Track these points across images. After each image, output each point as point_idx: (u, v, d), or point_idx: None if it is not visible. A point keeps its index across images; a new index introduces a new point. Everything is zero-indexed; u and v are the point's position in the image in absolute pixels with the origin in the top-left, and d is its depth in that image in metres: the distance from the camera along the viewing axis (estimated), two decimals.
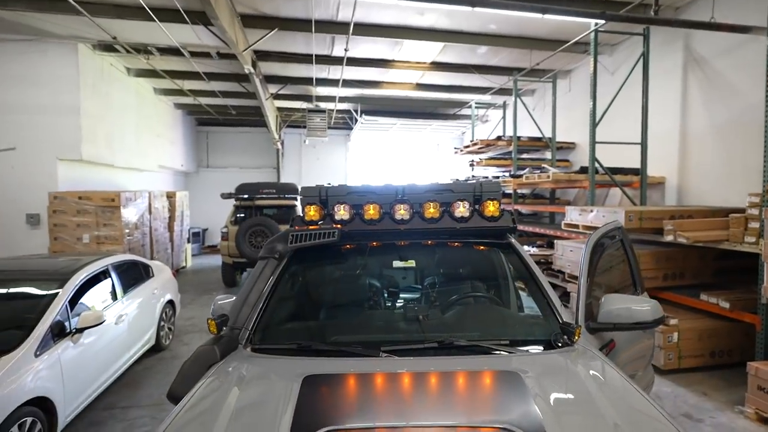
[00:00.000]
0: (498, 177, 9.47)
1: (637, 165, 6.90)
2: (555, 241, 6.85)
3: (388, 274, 2.64)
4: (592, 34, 6.39)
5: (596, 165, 6.56)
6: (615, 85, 6.88)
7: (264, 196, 8.87)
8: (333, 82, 10.18)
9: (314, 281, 2.56)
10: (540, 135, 9.53)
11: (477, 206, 2.42)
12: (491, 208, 2.37)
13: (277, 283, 2.24)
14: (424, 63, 9.12)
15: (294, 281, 2.49)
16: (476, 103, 11.83)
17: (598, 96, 6.59)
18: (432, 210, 2.37)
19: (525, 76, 9.10)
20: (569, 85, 9.74)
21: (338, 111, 13.29)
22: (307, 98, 11.96)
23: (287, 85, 10.69)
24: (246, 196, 8.82)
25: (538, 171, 7.71)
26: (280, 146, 14.90)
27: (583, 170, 6.78)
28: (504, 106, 11.90)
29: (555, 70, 9.18)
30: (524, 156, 10.40)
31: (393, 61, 9.05)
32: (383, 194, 2.55)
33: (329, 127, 13.27)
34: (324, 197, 2.58)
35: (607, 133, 7.04)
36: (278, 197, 8.93)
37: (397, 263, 2.55)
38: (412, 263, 2.58)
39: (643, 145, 6.78)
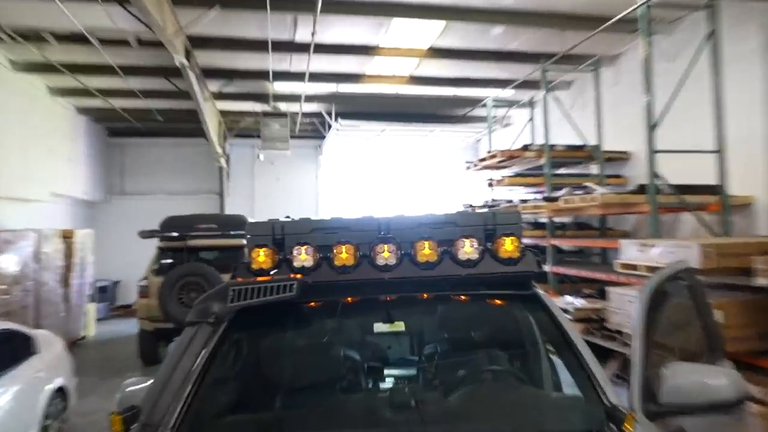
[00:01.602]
0: (527, 201, 9.62)
1: (713, 180, 7.08)
2: (608, 288, 6.91)
3: (369, 343, 2.63)
4: (642, 9, 6.71)
5: (658, 181, 6.72)
6: (676, 75, 7.16)
7: (201, 234, 8.87)
8: (297, 77, 10.45)
9: (265, 355, 2.54)
10: (581, 142, 9.78)
11: (489, 244, 2.46)
12: (508, 246, 2.40)
13: (213, 358, 2.22)
14: (420, 49, 9.45)
15: (236, 355, 2.46)
16: (494, 101, 12.16)
17: (656, 89, 6.85)
18: (427, 251, 2.40)
19: (557, 64, 9.43)
20: (617, 75, 10.10)
21: (305, 114, 13.56)
22: (261, 98, 12.22)
23: (234, 81, 10.93)
24: (175, 234, 8.81)
25: (581, 191, 7.86)
26: (224, 163, 15.04)
27: (642, 189, 6.93)
28: (531, 104, 12.25)
29: (597, 56, 9.55)
30: (561, 171, 10.62)
31: (377, 47, 9.36)
32: (360, 231, 2.58)
33: (293, 136, 13.48)
34: (279, 236, 2.60)
35: (670, 139, 7.26)
36: (221, 235, 8.93)
37: (380, 327, 2.55)
38: (401, 326, 2.58)
39: (721, 153, 6.99)
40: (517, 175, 10.43)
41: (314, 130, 15.33)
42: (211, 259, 8.89)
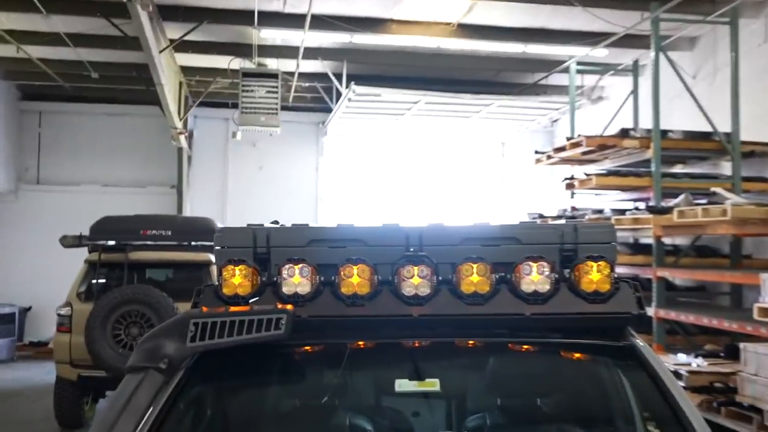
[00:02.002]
0: (623, 212, 9.58)
1: None
2: (742, 345, 6.86)
3: (387, 409, 2.66)
4: None
5: None
6: None
7: (148, 243, 9.00)
8: (293, 20, 10.59)
9: (238, 420, 2.58)
10: (708, 129, 9.72)
11: (567, 272, 2.49)
12: (595, 275, 2.41)
13: (162, 421, 2.26)
14: None
15: (196, 419, 2.50)
16: (580, 64, 12.15)
17: None
18: (476, 278, 2.43)
19: (675, 11, 9.41)
20: (765, 29, 10.01)
21: (304, 76, 13.69)
22: (241, 50, 12.39)
23: (203, 25, 11.11)
24: (112, 243, 8.96)
25: (705, 200, 7.81)
26: (184, 143, 15.25)
27: None
28: (635, 69, 12.21)
29: (736, 1, 9.48)
30: (677, 170, 10.54)
31: None
32: (379, 245, 2.63)
33: (285, 107, 13.64)
34: (262, 250, 2.66)
35: None
36: (177, 247, 9.06)
37: (405, 385, 2.58)
38: (434, 385, 2.62)
39: None
40: (611, 173, 10.39)
41: (316, 99, 15.48)
42: (163, 281, 8.99)
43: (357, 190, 16.85)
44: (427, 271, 2.46)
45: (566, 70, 12.39)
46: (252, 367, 2.57)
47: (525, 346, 2.59)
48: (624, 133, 9.80)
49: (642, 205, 9.87)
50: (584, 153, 10.42)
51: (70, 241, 9.08)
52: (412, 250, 2.62)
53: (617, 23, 10.27)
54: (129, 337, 8.04)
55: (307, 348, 2.58)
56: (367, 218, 18.03)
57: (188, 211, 15.77)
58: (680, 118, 10.49)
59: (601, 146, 9.91)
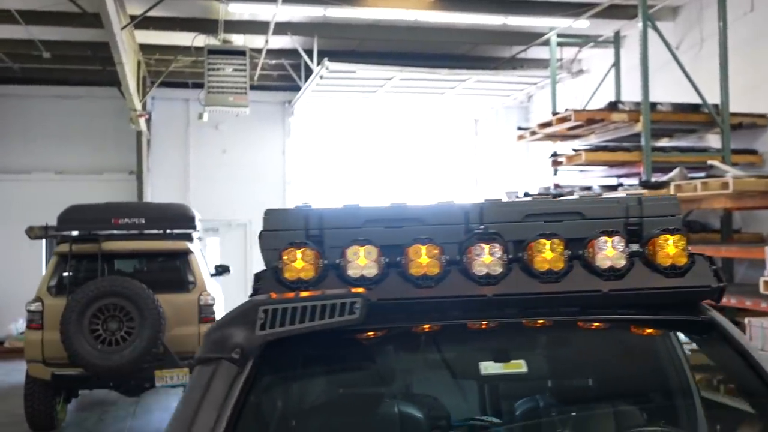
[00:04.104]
0: (615, 188, 9.71)
1: None
2: (746, 321, 7.02)
3: (471, 392, 2.67)
4: None
5: None
6: None
7: (122, 233, 8.87)
8: None
9: (313, 410, 2.57)
10: (694, 101, 9.88)
11: (641, 247, 2.52)
12: (671, 248, 2.45)
13: (240, 413, 2.25)
14: None
15: (271, 410, 2.49)
16: (560, 36, 12.23)
17: None
18: (549, 254, 2.44)
19: None
20: None
21: (270, 53, 13.52)
22: (206, 26, 12.20)
23: (165, 0, 10.89)
24: (81, 233, 8.80)
25: (702, 175, 7.95)
26: (144, 126, 15.00)
27: None
28: (617, 40, 12.34)
29: None
30: (664, 143, 10.71)
31: None
32: (439, 223, 2.63)
33: (250, 87, 13.47)
34: (315, 231, 2.64)
35: None
36: (152, 235, 8.95)
37: (490, 368, 2.60)
38: (521, 367, 2.64)
39: None
40: (600, 148, 10.50)
41: (282, 77, 15.35)
42: (139, 271, 8.87)
43: (327, 172, 16.78)
44: (499, 249, 2.46)
45: (546, 43, 12.46)
46: (321, 353, 2.55)
47: (606, 324, 2.60)
48: (612, 107, 9.90)
49: (629, 181, 10.00)
50: (570, 128, 10.49)
51: (36, 233, 8.90)
52: (475, 226, 2.62)
53: None
54: (107, 332, 7.93)
55: (379, 332, 2.56)
56: (338, 200, 17.87)
57: (149, 198, 15.55)
58: (664, 90, 10.65)
59: (589, 120, 9.97)
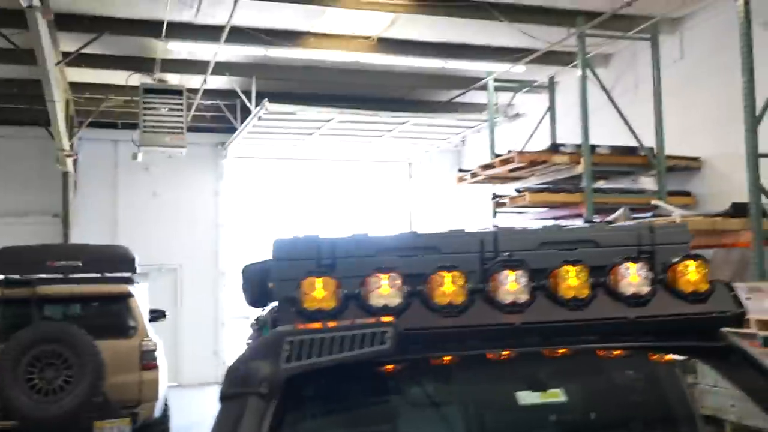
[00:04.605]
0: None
1: None
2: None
3: (510, 423, 2.64)
4: None
5: (765, 200, 7.12)
6: None
7: (57, 276, 8.49)
8: (205, 32, 10.35)
9: None
10: (629, 143, 10.21)
11: (661, 274, 2.52)
12: (693, 275, 2.47)
13: None
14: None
15: None
16: (496, 81, 12.51)
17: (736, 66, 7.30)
18: (574, 281, 2.42)
19: (597, 28, 9.87)
20: (681, 46, 10.67)
21: (206, 93, 13.35)
22: (142, 65, 11.99)
23: (104, 36, 10.67)
24: (12, 277, 8.39)
25: (644, 216, 8.14)
26: (70, 167, 14.53)
27: (740, 210, 7.31)
28: (551, 85, 12.70)
29: (655, 18, 10.06)
30: (601, 185, 11.00)
31: None
32: (454, 252, 2.58)
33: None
34: (328, 260, 2.57)
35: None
36: (89, 279, 8.61)
37: (528, 397, 2.58)
38: (558, 396, 2.62)
39: None
40: (543, 189, 10.69)
41: (217, 118, 15.16)
42: (77, 316, 8.51)
43: (261, 214, 16.57)
44: (524, 276, 2.43)
45: (483, 88, 12.74)
46: (347, 386, 2.47)
47: (634, 351, 2.60)
48: (554, 149, 10.14)
49: (574, 222, 10.17)
50: (511, 170, 10.67)
51: None
52: (492, 253, 2.59)
53: (541, 38, 10.67)
54: (44, 381, 7.49)
55: (407, 364, 2.48)
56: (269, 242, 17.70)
57: (75, 238, 15.02)
58: (599, 133, 10.90)
59: (531, 162, 10.18)
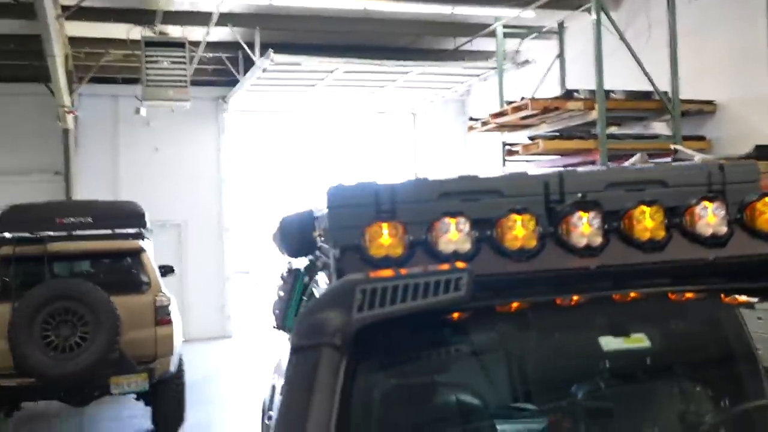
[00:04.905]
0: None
1: None
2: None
3: (593, 369, 2.57)
4: None
5: None
6: None
7: (66, 233, 8.39)
8: None
9: (421, 398, 2.46)
10: (645, 88, 10.04)
11: (739, 213, 2.44)
12: None
13: (348, 405, 2.06)
14: None
15: (377, 399, 2.38)
16: (505, 27, 12.28)
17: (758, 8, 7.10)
18: (649, 222, 2.34)
19: None
20: None
21: (209, 46, 13.10)
22: (142, 17, 11.73)
23: None
24: (23, 235, 8.29)
25: (666, 160, 8.04)
26: (71, 123, 14.33)
27: (763, 153, 7.20)
28: (561, 31, 12.48)
29: None
30: (614, 131, 10.87)
31: None
32: (517, 194, 2.51)
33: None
34: (387, 206, 2.48)
35: None
36: (100, 235, 8.51)
37: (611, 343, 2.52)
38: (642, 341, 2.56)
39: None
40: (555, 137, 10.56)
41: (218, 72, 14.92)
42: (89, 273, 8.44)
43: (264, 169, 16.46)
44: (596, 218, 2.34)
45: (492, 34, 12.50)
46: (426, 338, 2.41)
47: (717, 293, 2.53)
48: (568, 95, 9.99)
49: (590, 167, 10.07)
50: (522, 118, 10.53)
51: None
52: (558, 194, 2.52)
53: None
54: (60, 338, 7.44)
55: (478, 311, 2.40)
56: (277, 199, 17.77)
57: (78, 195, 14.89)
58: (611, 78, 10.73)
59: (544, 109, 10.01)
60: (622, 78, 10.26)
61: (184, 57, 11.83)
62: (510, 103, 10.53)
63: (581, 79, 11.56)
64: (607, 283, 2.40)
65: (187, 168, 16.03)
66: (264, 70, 12.48)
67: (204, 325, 15.63)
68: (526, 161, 12.14)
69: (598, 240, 2.34)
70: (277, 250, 3.92)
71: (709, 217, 2.38)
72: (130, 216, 8.73)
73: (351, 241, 2.36)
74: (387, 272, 2.17)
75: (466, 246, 2.30)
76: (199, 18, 11.65)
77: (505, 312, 2.43)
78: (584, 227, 2.33)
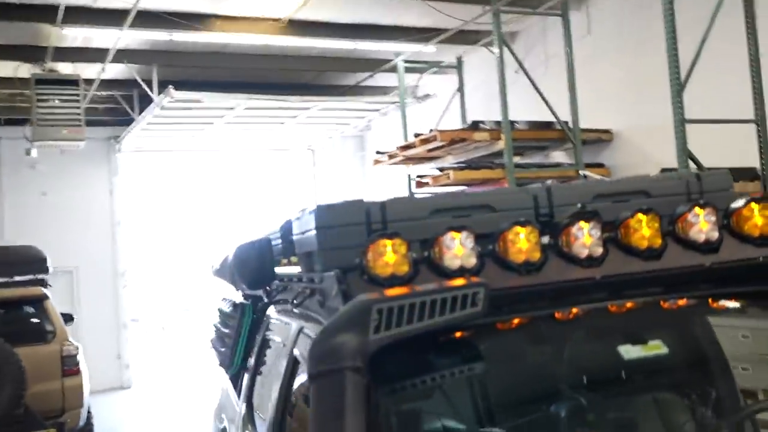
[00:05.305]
0: None
1: (750, 160, 7.91)
2: None
3: (612, 379, 2.56)
4: None
5: (691, 165, 7.33)
6: (687, 26, 7.92)
7: None
8: (107, 16, 9.75)
9: (441, 415, 2.39)
10: (544, 119, 10.35)
11: (725, 219, 2.49)
12: (758, 219, 2.44)
13: (376, 427, 1.95)
14: None
15: (401, 421, 2.31)
16: (406, 62, 12.44)
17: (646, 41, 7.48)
18: (647, 230, 2.37)
19: (509, 5, 9.96)
20: (587, 21, 10.92)
21: (102, 84, 12.61)
22: (32, 54, 11.20)
23: None
24: None
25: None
26: None
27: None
28: (459, 65, 12.74)
29: None
30: (518, 159, 11.12)
31: None
32: (508, 209, 2.52)
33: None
34: (378, 225, 2.42)
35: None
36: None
37: (632, 351, 2.53)
38: (660, 348, 2.58)
39: (760, 123, 7.85)
40: (464, 167, 10.68)
41: (111, 110, 14.41)
42: None
43: (160, 210, 15.94)
44: (596, 228, 2.35)
45: (393, 69, 12.64)
46: (433, 353, 2.33)
47: (715, 298, 2.57)
48: (474, 126, 10.14)
49: None
50: (429, 150, 10.63)
51: None
52: (543, 210, 2.55)
53: (453, 15, 10.67)
54: None
55: (494, 325, 2.35)
56: (174, 241, 17.21)
57: None
58: (511, 110, 10.99)
59: (451, 141, 10.14)
60: (521, 110, 10.51)
61: (77, 95, 11.36)
62: (417, 135, 10.60)
63: (480, 112, 11.83)
64: (615, 293, 2.41)
65: (78, 211, 15.32)
66: (162, 108, 12.09)
67: (101, 376, 14.79)
68: (427, 192, 12.27)
69: (599, 250, 2.35)
70: (229, 282, 3.74)
71: (702, 224, 2.43)
72: (31, 261, 8.26)
73: (344, 262, 2.29)
74: (402, 290, 2.09)
75: (472, 261, 2.27)
76: (93, 54, 11.23)
77: (510, 327, 2.40)
78: (585, 238, 2.34)
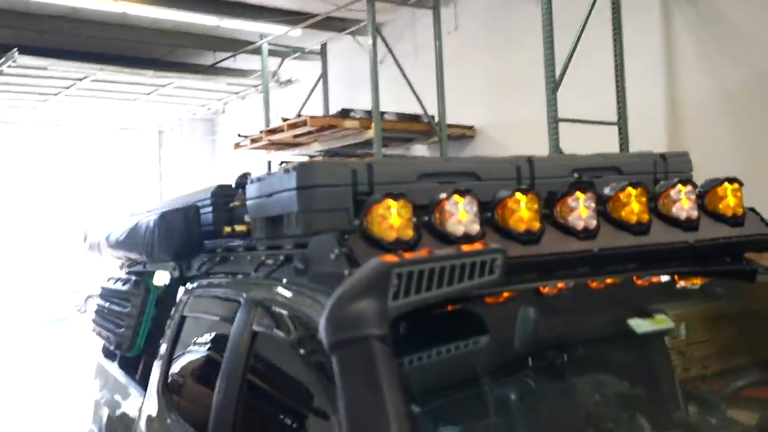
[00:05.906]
0: None
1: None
2: None
3: (623, 352, 2.59)
4: None
5: None
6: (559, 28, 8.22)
7: None
8: None
9: (463, 387, 2.29)
10: (412, 111, 10.41)
11: (698, 199, 2.53)
12: (731, 199, 2.50)
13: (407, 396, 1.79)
14: None
15: (426, 390, 2.18)
16: (270, 45, 12.12)
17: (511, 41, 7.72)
18: (637, 205, 2.37)
19: None
20: (455, 17, 11.08)
21: None
22: None
23: None
24: None
25: None
26: None
27: None
28: (324, 52, 12.60)
29: None
30: (384, 150, 11.13)
31: None
32: (492, 178, 2.47)
33: None
34: (364, 188, 2.30)
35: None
36: None
37: (642, 326, 2.53)
38: (666, 322, 2.56)
39: (622, 126, 8.28)
40: (333, 155, 10.50)
41: None
42: None
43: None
44: (592, 199, 2.32)
45: (256, 51, 12.29)
46: (443, 322, 2.21)
47: (702, 275, 2.62)
48: (345, 114, 10.02)
49: None
50: (295, 136, 10.44)
51: None
52: (528, 180, 2.53)
53: (321, 2, 10.52)
54: None
55: (499, 295, 2.24)
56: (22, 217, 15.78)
57: None
58: (367, 101, 10.91)
59: (321, 127, 9.99)
60: (387, 101, 10.44)
61: None
62: (286, 120, 10.33)
63: (342, 101, 11.70)
64: (613, 266, 2.43)
65: None
66: (1, 74, 11.07)
67: None
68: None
69: (593, 223, 2.33)
70: (145, 253, 3.39)
71: (683, 201, 2.45)
72: None
73: (328, 224, 2.16)
74: (422, 253, 1.93)
75: (475, 227, 2.16)
76: None
77: (516, 296, 2.33)
78: (582, 210, 2.31)
